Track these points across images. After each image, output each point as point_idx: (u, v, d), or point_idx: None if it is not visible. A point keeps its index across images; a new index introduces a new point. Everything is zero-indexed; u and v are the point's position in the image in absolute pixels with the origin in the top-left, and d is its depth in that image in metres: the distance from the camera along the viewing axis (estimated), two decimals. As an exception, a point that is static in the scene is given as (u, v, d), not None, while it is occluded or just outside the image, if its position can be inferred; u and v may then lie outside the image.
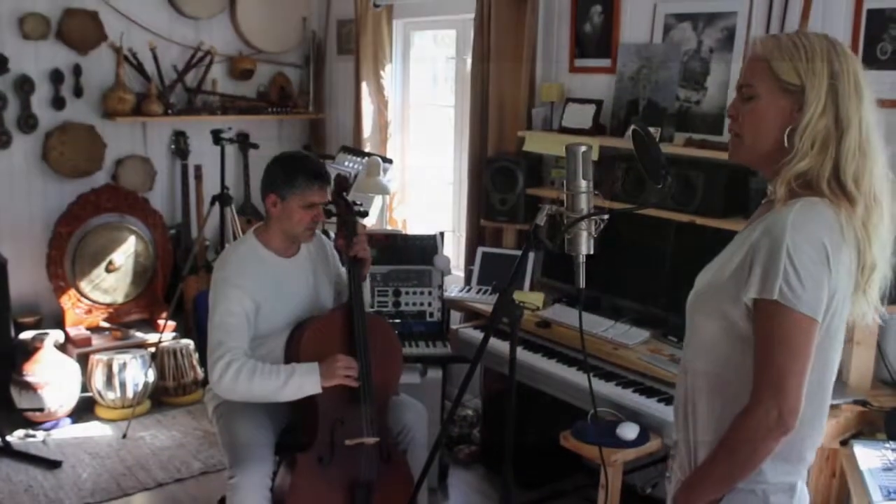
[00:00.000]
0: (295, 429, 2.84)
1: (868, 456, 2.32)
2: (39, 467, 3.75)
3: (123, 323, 4.64)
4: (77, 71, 4.49)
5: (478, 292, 3.69)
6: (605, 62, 3.58)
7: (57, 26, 4.40)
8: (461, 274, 4.10)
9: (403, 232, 4.52)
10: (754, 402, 1.44)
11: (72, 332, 4.43)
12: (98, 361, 4.20)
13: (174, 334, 4.55)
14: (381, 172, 4.20)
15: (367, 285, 2.99)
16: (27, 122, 4.39)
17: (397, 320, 3.59)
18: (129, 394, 4.20)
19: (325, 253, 2.99)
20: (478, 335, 3.37)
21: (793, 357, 1.42)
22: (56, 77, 4.44)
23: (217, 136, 4.38)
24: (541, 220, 1.84)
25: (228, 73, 5.01)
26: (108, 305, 4.63)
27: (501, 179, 3.71)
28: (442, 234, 3.81)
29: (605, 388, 2.81)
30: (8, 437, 3.93)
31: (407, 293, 3.64)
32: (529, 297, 3.44)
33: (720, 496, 1.53)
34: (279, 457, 2.77)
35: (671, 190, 2.57)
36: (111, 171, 4.70)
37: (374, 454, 2.73)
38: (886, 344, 2.73)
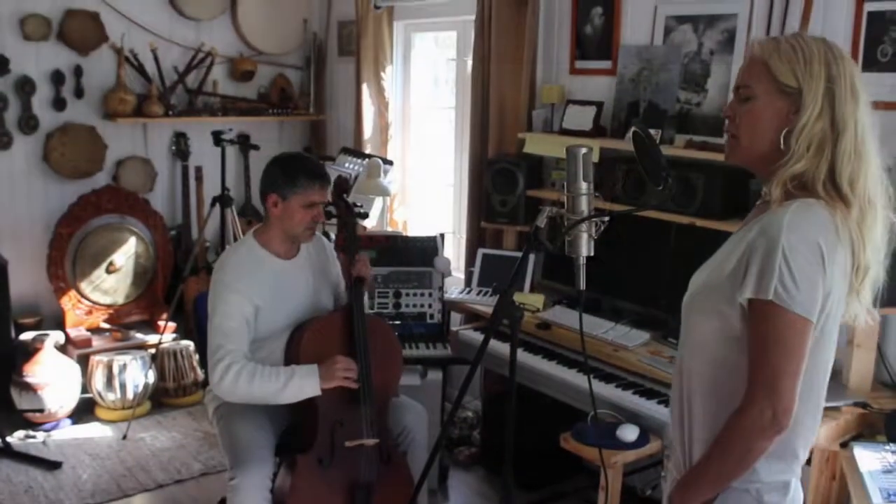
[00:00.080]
0: (295, 430, 2.83)
1: (868, 458, 2.31)
2: (40, 468, 3.75)
3: (124, 324, 4.64)
4: (78, 72, 4.50)
5: (478, 294, 3.69)
6: (606, 64, 3.58)
7: (58, 27, 4.40)
8: (461, 275, 4.10)
9: (404, 233, 4.52)
10: (748, 402, 1.45)
11: (72, 333, 4.43)
12: (98, 362, 4.20)
13: (174, 335, 4.55)
14: (382, 174, 4.20)
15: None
16: (28, 123, 4.39)
17: (397, 322, 3.59)
18: (130, 395, 4.20)
19: (325, 254, 2.99)
20: (478, 337, 3.37)
21: (787, 357, 1.43)
22: (57, 78, 4.44)
23: (218, 138, 4.38)
24: (541, 221, 1.84)
25: (229, 74, 5.01)
26: (109, 306, 4.63)
27: (502, 181, 3.71)
28: (442, 235, 3.81)
29: (605, 389, 2.82)
30: (8, 438, 3.93)
31: (407, 295, 3.64)
32: (530, 299, 3.45)
33: (714, 495, 1.54)
34: (279, 458, 2.76)
35: (671, 192, 2.56)
36: (112, 172, 4.70)
37: (374, 456, 2.73)
38: (886, 346, 2.73)
